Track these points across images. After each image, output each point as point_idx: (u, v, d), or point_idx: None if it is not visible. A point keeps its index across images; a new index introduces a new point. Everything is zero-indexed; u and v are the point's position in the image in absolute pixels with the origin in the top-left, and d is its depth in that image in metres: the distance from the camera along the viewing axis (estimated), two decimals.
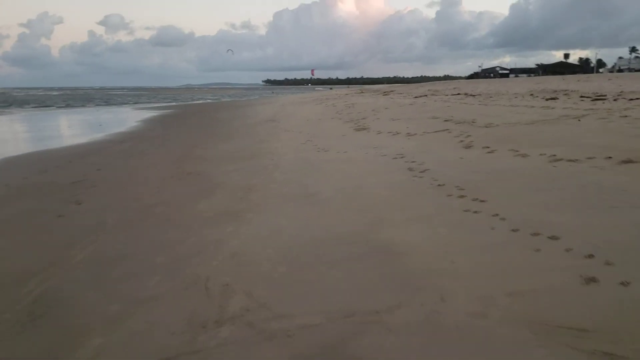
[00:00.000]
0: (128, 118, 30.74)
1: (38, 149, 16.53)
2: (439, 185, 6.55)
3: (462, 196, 5.89)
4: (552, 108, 13.44)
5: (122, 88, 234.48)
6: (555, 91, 20.74)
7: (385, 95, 33.21)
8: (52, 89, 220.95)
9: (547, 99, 16.56)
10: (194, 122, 25.20)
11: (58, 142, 18.40)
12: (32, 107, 48.76)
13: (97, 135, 20.00)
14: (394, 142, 10.89)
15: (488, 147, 8.52)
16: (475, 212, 5.26)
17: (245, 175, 8.87)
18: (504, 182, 6.30)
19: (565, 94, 18.35)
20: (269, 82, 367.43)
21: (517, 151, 7.89)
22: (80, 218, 6.85)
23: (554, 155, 7.26)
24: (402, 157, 8.83)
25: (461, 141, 9.54)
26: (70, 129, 25.89)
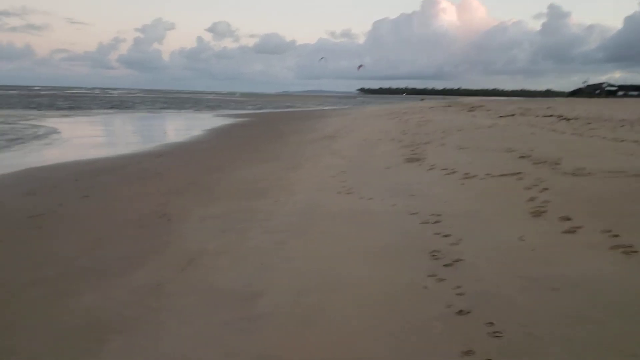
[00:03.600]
0: (198, 126, 29.18)
1: (68, 159, 14.92)
2: (463, 313, 3.50)
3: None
4: None
5: (220, 93, 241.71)
6: None
7: (471, 111, 29.42)
8: (158, 91, 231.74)
9: None
10: (253, 134, 23.01)
11: (99, 151, 16.79)
12: (113, 109, 49.28)
13: (146, 145, 18.31)
14: (440, 188, 7.75)
15: (568, 219, 5.25)
16: None
17: (214, 233, 6.17)
18: (592, 324, 3.17)
19: None
20: (363, 90, 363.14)
21: (616, 236, 4.60)
22: None
23: None
24: (435, 224, 5.75)
25: (531, 199, 6.27)
26: (130, 135, 24.59)
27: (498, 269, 4.20)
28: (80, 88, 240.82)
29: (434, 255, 4.68)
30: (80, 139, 21.64)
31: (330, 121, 30.56)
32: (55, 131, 23.90)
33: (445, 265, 4.40)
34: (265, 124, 30.30)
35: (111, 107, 52.44)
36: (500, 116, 22.60)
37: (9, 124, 28.23)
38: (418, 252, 4.84)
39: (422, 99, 79.12)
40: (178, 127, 30.16)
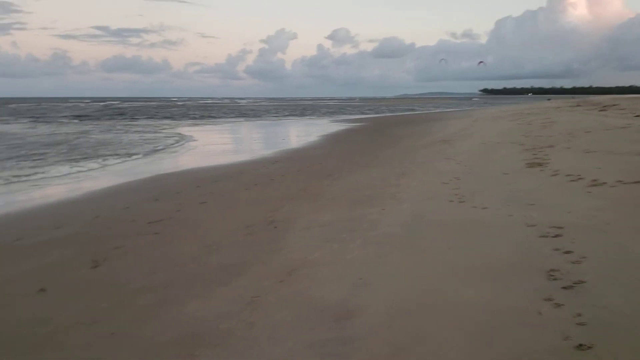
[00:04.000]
0: (315, 132, 29.63)
1: (194, 166, 15.79)
2: (583, 348, 2.98)
3: None
4: None
5: (340, 99, 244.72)
6: None
7: (602, 110, 26.88)
8: (281, 99, 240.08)
9: None
10: (366, 139, 22.82)
11: (222, 158, 17.57)
12: (240, 118, 51.55)
13: (265, 152, 18.89)
14: (563, 197, 7.00)
15: None
16: None
17: (317, 242, 6.03)
18: None
19: None
20: (486, 91, 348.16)
21: None
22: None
23: None
24: (555, 238, 5.14)
25: None
26: (252, 142, 25.49)
27: (628, 295, 3.60)
28: (212, 98, 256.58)
29: (551, 275, 4.13)
30: (208, 146, 22.81)
31: (447, 124, 29.55)
32: (186, 139, 25.49)
33: (564, 288, 3.86)
34: (380, 129, 30.00)
35: (238, 116, 55.15)
36: (637, 115, 20.38)
37: (150, 132, 30.64)
38: (533, 270, 4.32)
39: (549, 99, 74.05)
40: (296, 134, 30.84)
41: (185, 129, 33.42)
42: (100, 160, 17.27)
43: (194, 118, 50.56)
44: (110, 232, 7.43)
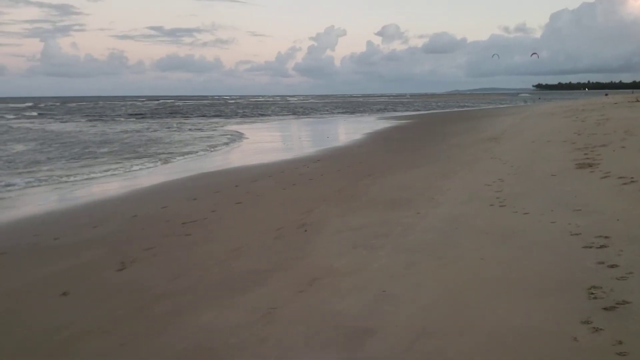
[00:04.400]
0: (361, 129, 29.28)
1: (238, 164, 15.81)
2: None
3: None
4: None
5: (390, 95, 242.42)
6: None
7: None
8: (330, 96, 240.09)
9: None
10: (412, 136, 22.31)
11: (266, 157, 17.54)
12: (289, 115, 51.63)
13: (308, 150, 18.75)
14: (613, 202, 6.44)
15: None
16: None
17: (346, 248, 5.76)
18: None
19: None
20: (540, 86, 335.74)
21: None
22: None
23: None
24: (600, 249, 4.68)
25: None
26: (297, 140, 25.37)
27: None
28: (263, 96, 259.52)
29: (592, 293, 3.72)
30: (254, 144, 22.84)
31: (497, 121, 28.56)
32: (234, 137, 25.67)
33: (605, 309, 3.45)
34: (427, 126, 29.35)
35: (287, 113, 55.36)
36: None
37: (200, 130, 31.07)
38: (573, 287, 3.91)
39: (606, 94, 70.61)
40: (342, 131, 30.58)
41: (235, 127, 33.73)
42: (149, 158, 17.54)
43: (244, 116, 51.08)
44: (144, 233, 7.41)
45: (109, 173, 14.33)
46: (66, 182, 12.87)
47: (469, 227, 6.10)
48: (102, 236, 7.29)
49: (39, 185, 12.35)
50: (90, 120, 43.65)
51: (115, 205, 9.88)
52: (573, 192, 7.27)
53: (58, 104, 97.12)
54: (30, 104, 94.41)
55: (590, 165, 9.32)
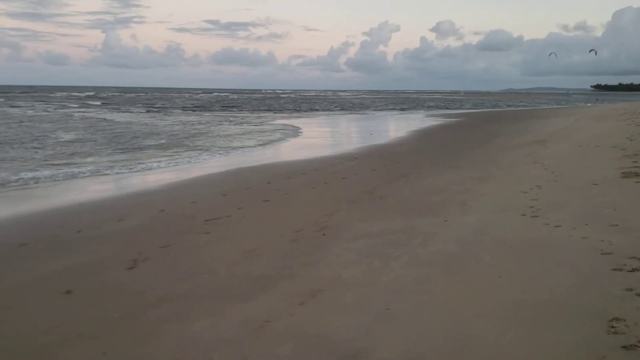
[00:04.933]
0: (406, 127, 28.69)
1: (277, 160, 15.70)
2: None
3: None
4: None
5: (444, 92, 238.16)
6: None
7: None
8: (382, 92, 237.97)
9: None
10: (456, 136, 21.57)
11: (306, 152, 17.38)
12: (339, 111, 51.28)
13: (349, 147, 18.47)
14: None
15: None
16: None
17: (358, 257, 5.47)
18: None
19: None
20: (599, 87, 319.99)
21: None
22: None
23: None
24: (631, 273, 4.18)
25: None
26: (340, 136, 25.04)
27: None
28: (315, 90, 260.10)
29: (612, 327, 3.29)
30: (297, 139, 22.68)
31: (548, 122, 27.34)
32: (280, 132, 25.63)
33: (625, 348, 3.03)
34: (475, 125, 28.42)
35: (336, 109, 55.05)
36: None
37: (247, 124, 31.25)
38: (593, 316, 3.49)
39: None
40: (386, 128, 30.03)
41: (283, 122, 33.75)
42: (193, 152, 17.66)
43: (293, 110, 51.06)
44: (166, 229, 7.33)
45: (151, 165, 14.45)
46: (105, 174, 13.05)
47: (494, 239, 5.68)
48: (124, 230, 7.26)
49: (75, 177, 12.49)
50: (148, 112, 44.62)
51: (147, 197, 9.91)
52: (613, 204, 6.69)
53: (117, 94, 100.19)
54: (91, 94, 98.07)
55: (637, 175, 8.63)
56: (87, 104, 58.31)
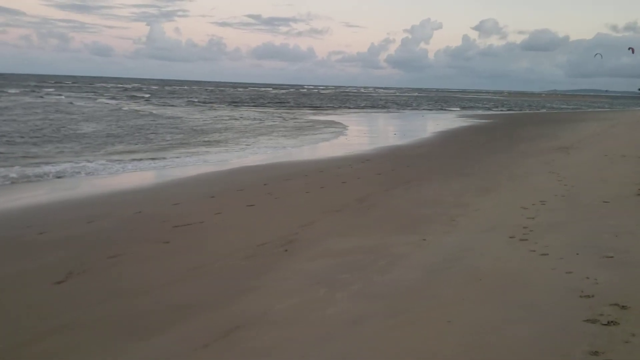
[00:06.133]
0: (432, 127, 27.65)
1: (281, 160, 15.04)
2: None
3: None
4: None
5: (487, 92, 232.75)
6: None
7: None
8: (421, 89, 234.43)
9: None
10: (481, 139, 20.40)
11: (317, 153, 16.74)
12: (370, 109, 50.26)
13: (366, 147, 17.69)
14: None
15: None
16: None
17: (305, 283, 4.76)
18: None
19: None
20: None
21: None
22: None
23: None
24: (607, 327, 3.36)
25: None
26: (361, 136, 24.21)
27: None
28: (355, 87, 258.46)
29: None
30: (316, 136, 21.99)
31: (582, 126, 25.82)
32: (304, 130, 25.01)
33: None
34: (504, 128, 27.10)
35: (367, 106, 53.98)
36: None
37: (272, 119, 30.76)
38: None
39: None
40: (413, 128, 29.01)
41: (311, 117, 33.13)
42: (204, 148, 17.24)
43: (320, 107, 49.98)
44: (127, 235, 6.78)
45: (162, 163, 13.97)
46: (101, 170, 12.68)
47: (465, 269, 4.88)
48: (84, 235, 6.75)
49: (64, 174, 11.90)
50: (196, 106, 44.34)
51: (130, 197, 9.43)
52: (616, 229, 5.76)
53: (158, 87, 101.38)
54: (136, 85, 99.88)
55: None
56: (135, 96, 58.32)
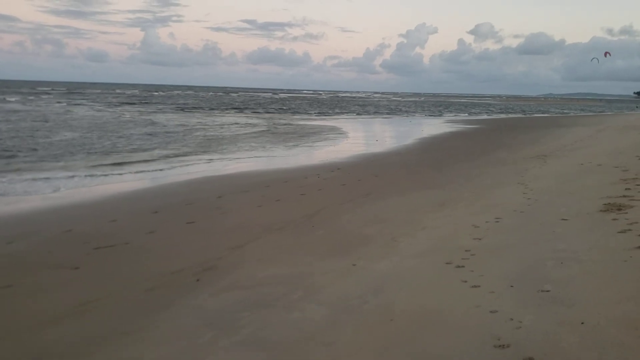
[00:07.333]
0: (416, 134, 27.03)
1: (246, 170, 14.40)
2: None
3: None
4: None
5: (481, 96, 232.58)
6: None
7: None
8: (416, 94, 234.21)
9: None
10: (460, 146, 19.81)
11: (290, 161, 16.06)
12: (350, 114, 49.70)
13: (341, 155, 17.03)
14: (605, 287, 4.31)
15: None
16: None
17: (197, 327, 4.12)
18: None
19: None
20: None
21: None
22: None
23: None
24: None
25: None
26: (339, 143, 23.58)
27: None
28: (349, 92, 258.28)
29: None
30: (297, 142, 21.39)
31: (568, 132, 25.21)
32: (287, 136, 24.38)
33: None
34: (488, 134, 26.49)
35: (354, 111, 53.38)
36: None
37: (252, 125, 30.13)
38: None
39: None
40: (396, 135, 28.45)
41: (300, 123, 32.53)
42: (175, 157, 16.57)
43: (319, 113, 49.42)
44: (38, 259, 6.12)
45: (146, 168, 13.54)
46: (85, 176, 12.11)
47: (379, 306, 4.25)
48: (23, 250, 6.19)
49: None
50: (181, 110, 43.65)
51: (69, 213, 8.79)
52: (563, 255, 5.11)
53: (150, 92, 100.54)
54: (134, 91, 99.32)
55: (618, 209, 6.95)
56: (133, 102, 57.51)
